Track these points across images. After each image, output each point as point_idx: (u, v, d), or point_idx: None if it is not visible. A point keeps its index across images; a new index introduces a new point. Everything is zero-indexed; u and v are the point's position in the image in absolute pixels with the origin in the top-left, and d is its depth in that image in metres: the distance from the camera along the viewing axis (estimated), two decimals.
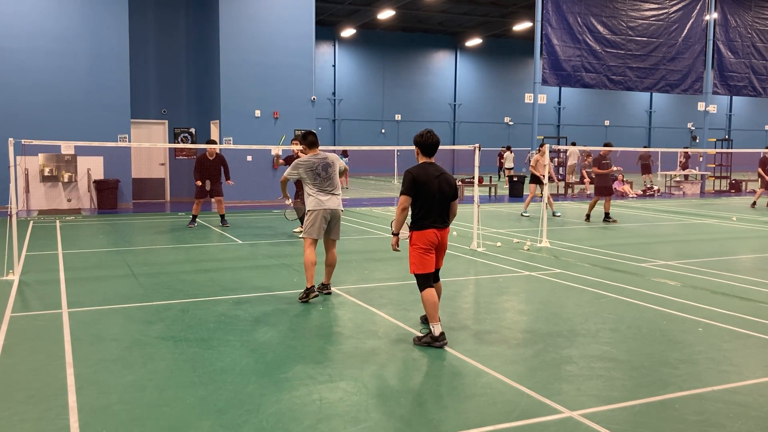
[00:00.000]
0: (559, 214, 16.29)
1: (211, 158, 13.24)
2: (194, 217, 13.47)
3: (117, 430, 3.97)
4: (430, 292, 5.70)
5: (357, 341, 5.79)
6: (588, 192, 20.67)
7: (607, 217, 14.89)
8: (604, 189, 14.86)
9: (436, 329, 5.58)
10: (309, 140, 7.43)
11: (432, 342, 5.56)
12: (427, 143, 5.75)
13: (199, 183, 13.12)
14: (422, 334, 5.72)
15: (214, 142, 14.04)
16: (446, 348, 5.59)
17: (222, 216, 13.66)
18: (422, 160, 5.79)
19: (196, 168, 13.26)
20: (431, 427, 4.04)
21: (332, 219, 7.29)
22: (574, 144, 27.38)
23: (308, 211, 7.29)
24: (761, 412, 4.31)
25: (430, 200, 5.62)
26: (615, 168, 14.81)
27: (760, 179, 19.30)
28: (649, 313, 6.79)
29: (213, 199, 13.65)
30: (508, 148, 30.28)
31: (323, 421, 4.11)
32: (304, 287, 7.29)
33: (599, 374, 4.99)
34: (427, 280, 5.74)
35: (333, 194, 7.29)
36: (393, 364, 5.20)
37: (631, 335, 6.01)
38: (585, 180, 22.57)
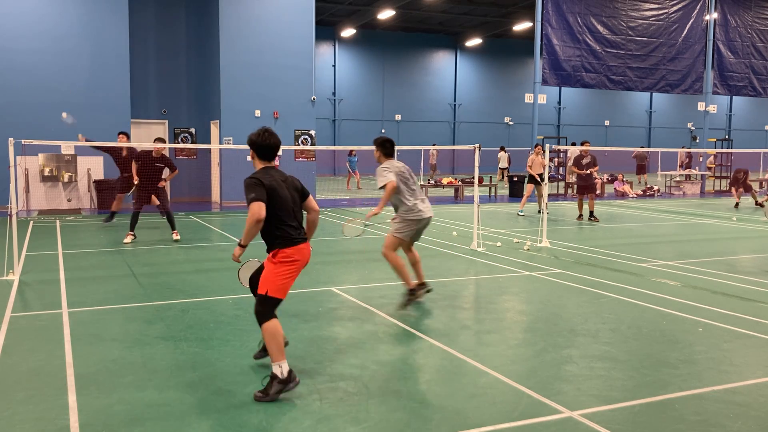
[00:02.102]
0: (522, 213, 16.39)
1: (157, 156, 12.07)
2: (113, 213, 13.10)
3: (117, 430, 3.97)
4: (276, 323, 4.59)
5: (357, 341, 5.79)
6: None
7: (590, 215, 15.02)
8: (583, 188, 15.14)
9: (285, 368, 4.47)
10: (388, 149, 7.09)
11: (284, 387, 4.45)
12: (265, 144, 4.74)
13: (136, 180, 11.92)
14: (262, 387, 4.50)
15: (163, 140, 12.79)
16: (446, 348, 5.58)
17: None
18: (261, 165, 4.77)
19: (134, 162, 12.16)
20: (431, 427, 4.04)
21: (426, 226, 7.22)
22: (573, 144, 27.40)
23: (408, 219, 6.98)
24: (761, 412, 4.31)
25: (287, 209, 4.67)
26: (595, 168, 14.89)
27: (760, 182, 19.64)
28: (649, 313, 6.79)
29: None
30: (502, 149, 30.32)
31: (323, 421, 4.11)
32: (405, 295, 7.02)
33: (599, 374, 4.99)
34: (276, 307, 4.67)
35: (425, 202, 7.16)
36: (393, 365, 5.20)
37: (631, 335, 6.01)
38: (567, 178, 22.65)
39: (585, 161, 14.92)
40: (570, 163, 22.27)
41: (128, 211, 12.79)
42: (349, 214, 16.26)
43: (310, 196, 4.99)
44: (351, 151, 26.37)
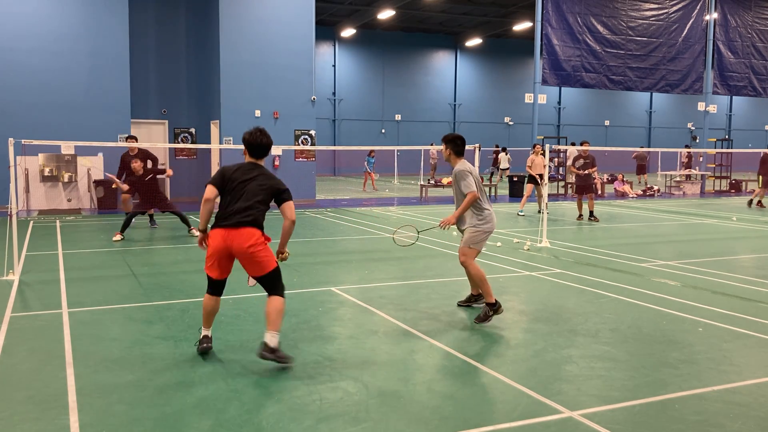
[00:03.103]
0: (522, 213, 16.43)
1: (132, 154, 12.33)
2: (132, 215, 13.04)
3: (117, 430, 3.97)
4: (205, 298, 5.24)
5: (357, 341, 5.79)
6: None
7: (590, 215, 15.03)
8: (582, 188, 15.14)
9: (202, 332, 5.32)
10: (459, 147, 6.57)
11: (197, 345, 5.29)
12: (254, 143, 5.18)
13: (125, 186, 12.33)
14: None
15: (135, 139, 12.69)
16: (446, 348, 5.58)
17: (150, 216, 13.37)
18: (248, 159, 5.23)
19: (121, 166, 12.55)
20: (431, 427, 4.04)
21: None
22: (573, 144, 27.40)
23: (485, 230, 6.50)
24: (761, 412, 4.31)
25: (232, 194, 5.04)
26: (593, 168, 14.90)
27: (759, 178, 19.26)
28: (649, 313, 6.79)
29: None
30: (504, 149, 30.33)
31: (323, 421, 4.11)
32: (485, 307, 6.45)
33: (599, 374, 4.99)
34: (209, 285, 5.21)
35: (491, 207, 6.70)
36: (393, 364, 5.20)
37: (631, 335, 6.01)
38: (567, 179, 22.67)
39: (578, 164, 14.92)
40: (569, 162, 22.27)
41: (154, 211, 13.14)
42: (350, 213, 16.26)
43: (287, 203, 5.08)
44: (371, 151, 26.30)
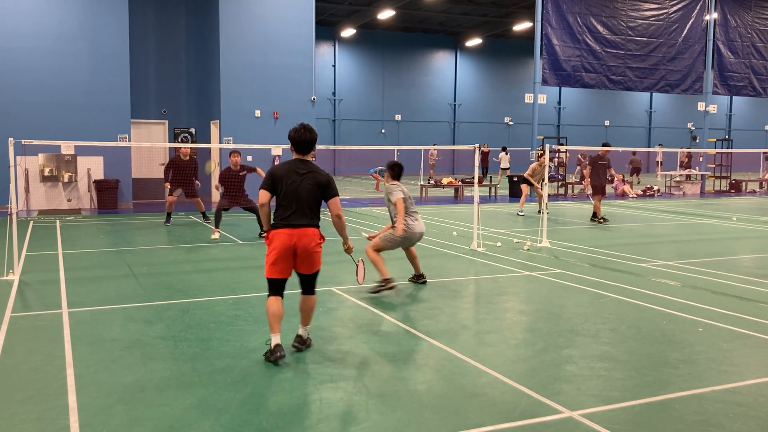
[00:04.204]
0: (522, 213, 16.45)
1: (185, 159, 13.38)
2: (168, 214, 13.86)
3: (117, 430, 3.97)
4: (269, 300, 5.25)
5: (357, 341, 5.79)
6: (588, 192, 20.70)
7: (594, 216, 14.94)
8: (598, 188, 14.86)
9: (273, 340, 5.14)
10: (397, 172, 7.96)
11: (269, 357, 5.13)
12: (299, 140, 5.32)
13: (168, 185, 13.40)
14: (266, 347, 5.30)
15: (187, 140, 14.06)
16: (446, 348, 5.58)
17: (203, 213, 14.06)
18: (294, 157, 5.38)
19: (168, 167, 13.50)
20: (431, 427, 4.04)
21: (419, 239, 8.01)
22: (557, 145, 27.39)
23: (399, 236, 7.73)
24: (761, 412, 4.31)
25: (289, 197, 5.19)
26: (587, 170, 14.89)
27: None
28: (649, 313, 6.79)
29: (193, 200, 13.94)
30: (504, 149, 30.34)
31: (323, 421, 4.11)
32: (379, 282, 7.70)
33: (599, 374, 4.99)
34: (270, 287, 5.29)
35: (417, 220, 7.92)
36: (393, 364, 5.20)
37: (631, 335, 6.01)
38: (585, 181, 22.56)
39: (601, 162, 14.80)
40: (585, 162, 22.19)
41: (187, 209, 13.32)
42: (350, 213, 16.25)
43: (333, 198, 5.36)
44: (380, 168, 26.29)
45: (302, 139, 5.31)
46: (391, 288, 7.63)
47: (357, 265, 6.38)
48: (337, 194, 5.36)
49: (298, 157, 5.35)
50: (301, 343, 5.42)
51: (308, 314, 5.46)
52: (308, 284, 5.42)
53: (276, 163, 18.53)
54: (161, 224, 13.94)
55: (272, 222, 5.27)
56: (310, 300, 5.43)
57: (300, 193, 5.19)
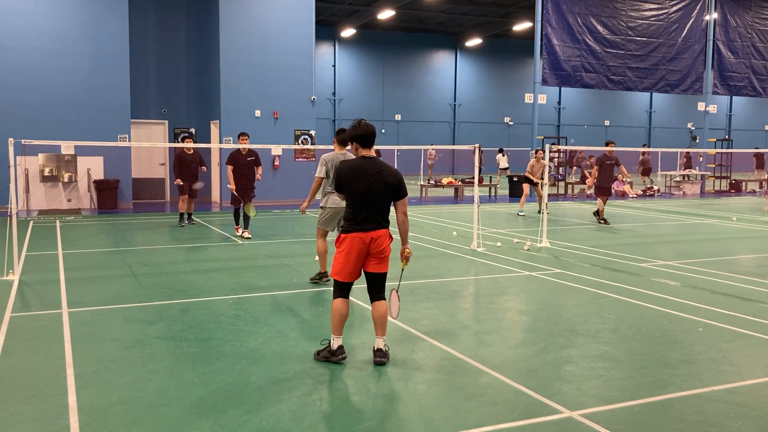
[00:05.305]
0: (522, 213, 16.47)
1: (189, 152, 13.24)
2: (182, 215, 13.63)
3: (117, 430, 3.97)
4: (335, 302, 5.19)
5: (357, 341, 5.79)
6: (588, 192, 20.72)
7: (596, 215, 14.90)
8: (602, 189, 14.75)
9: (335, 342, 5.16)
10: (340, 136, 7.76)
11: (329, 357, 5.15)
12: (363, 134, 5.15)
13: (180, 181, 13.14)
14: (322, 347, 5.33)
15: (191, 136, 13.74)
16: (446, 348, 5.58)
17: (189, 214, 13.82)
18: (362, 152, 5.21)
19: (175, 164, 13.31)
20: (431, 428, 4.04)
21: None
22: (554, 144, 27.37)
23: (325, 207, 7.82)
24: (761, 412, 4.31)
25: (361, 200, 5.08)
26: (622, 167, 14.84)
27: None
28: (649, 313, 6.79)
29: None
30: (500, 150, 30.33)
31: (323, 421, 4.11)
32: (318, 274, 8.17)
33: (599, 374, 4.99)
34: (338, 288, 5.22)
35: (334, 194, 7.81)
36: (393, 364, 5.20)
37: (631, 335, 6.01)
38: (588, 181, 22.55)
39: (608, 162, 14.73)
40: (588, 162, 22.07)
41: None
42: None
43: (403, 199, 5.20)
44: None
45: (365, 132, 5.15)
46: (326, 281, 8.00)
47: (390, 297, 5.33)
48: (406, 194, 5.23)
49: (364, 153, 5.18)
50: (383, 356, 5.16)
51: (383, 322, 5.19)
52: (377, 285, 5.23)
53: (276, 164, 18.54)
54: (161, 224, 13.95)
55: (343, 226, 5.22)
56: (381, 306, 5.21)
57: (371, 199, 5.07)
